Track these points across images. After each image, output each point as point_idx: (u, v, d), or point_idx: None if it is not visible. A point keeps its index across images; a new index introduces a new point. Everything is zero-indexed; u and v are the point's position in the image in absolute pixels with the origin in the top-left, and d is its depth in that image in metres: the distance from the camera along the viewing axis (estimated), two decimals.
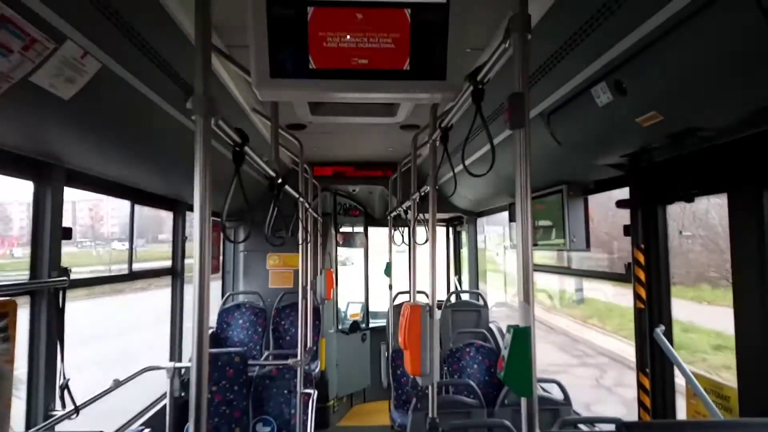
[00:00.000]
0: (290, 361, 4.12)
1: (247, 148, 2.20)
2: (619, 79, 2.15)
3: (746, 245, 2.20)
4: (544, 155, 3.06)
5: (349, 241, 7.88)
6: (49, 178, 2.80)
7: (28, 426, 2.71)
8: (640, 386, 2.90)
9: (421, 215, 4.02)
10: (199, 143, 1.66)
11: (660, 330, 2.75)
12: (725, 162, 2.34)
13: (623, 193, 3.15)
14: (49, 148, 2.65)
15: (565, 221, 3.59)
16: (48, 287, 2.74)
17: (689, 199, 2.65)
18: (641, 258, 2.88)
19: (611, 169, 3.01)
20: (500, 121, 3.02)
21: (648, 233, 2.88)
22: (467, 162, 2.38)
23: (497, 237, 8.58)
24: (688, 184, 2.63)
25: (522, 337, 1.53)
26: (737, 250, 2.24)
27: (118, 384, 3.23)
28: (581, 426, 3.44)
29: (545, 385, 4.39)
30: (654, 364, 2.82)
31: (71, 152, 2.79)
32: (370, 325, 7.62)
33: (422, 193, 3.70)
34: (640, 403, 2.90)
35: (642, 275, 2.88)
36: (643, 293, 2.87)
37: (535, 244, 4.05)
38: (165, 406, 3.76)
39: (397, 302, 6.42)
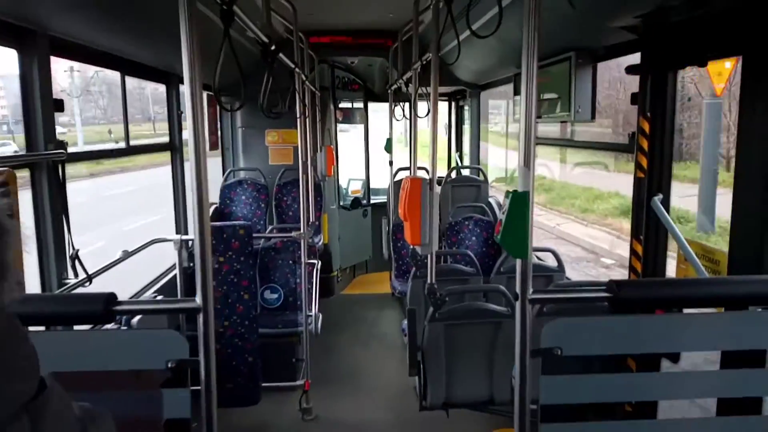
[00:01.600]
0: (294, 234, 4.23)
1: (236, 8, 2.06)
2: None
3: (756, 109, 2.14)
4: (554, 18, 2.88)
5: (348, 116, 7.74)
6: (33, 46, 2.67)
7: None
8: (633, 252, 2.99)
9: (422, 88, 3.89)
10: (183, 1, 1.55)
11: (658, 198, 2.78)
12: (741, 24, 2.20)
13: (628, 61, 3.02)
14: (31, 12, 2.49)
15: (572, 91, 3.47)
16: (46, 160, 2.72)
17: (702, 63, 2.54)
18: (646, 126, 2.83)
19: (622, 32, 2.85)
20: None
21: (656, 101, 2.79)
22: (472, 27, 2.25)
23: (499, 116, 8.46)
24: (701, 47, 2.50)
25: (520, 201, 1.54)
26: (745, 114, 2.19)
27: (127, 254, 3.35)
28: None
29: (540, 254, 4.55)
30: (648, 231, 2.88)
31: (54, 17, 2.63)
32: (371, 202, 7.73)
33: (424, 62, 3.55)
34: (632, 268, 3.01)
35: (645, 144, 2.84)
36: (644, 162, 2.86)
37: (538, 116, 3.96)
38: (175, 276, 3.92)
39: (397, 178, 6.46)
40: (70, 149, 2.86)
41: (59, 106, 2.86)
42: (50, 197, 2.76)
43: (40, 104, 2.71)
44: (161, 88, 4.62)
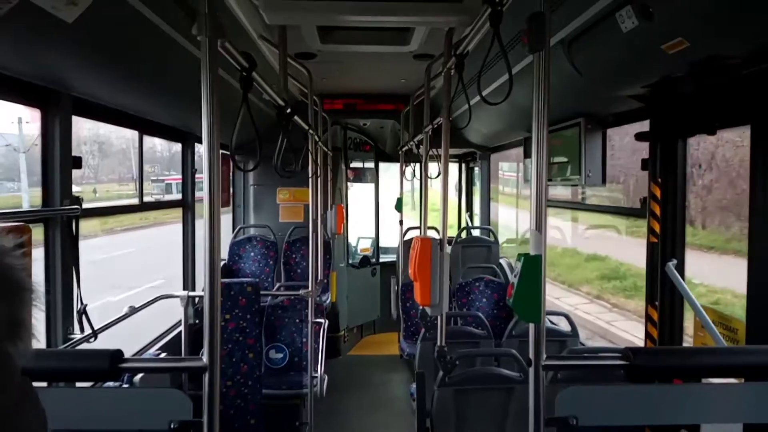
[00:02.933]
0: (302, 292, 4.20)
1: (254, 74, 2.13)
2: (645, 2, 2.03)
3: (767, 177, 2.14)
4: (563, 86, 2.95)
5: (359, 176, 7.85)
6: (56, 106, 2.76)
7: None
8: (648, 318, 2.92)
9: (433, 150, 3.96)
10: (205, 66, 1.61)
11: (672, 264, 2.74)
12: (750, 93, 2.24)
13: (637, 127, 3.06)
14: (55, 73, 2.59)
15: (582, 155, 3.51)
16: (61, 215, 2.76)
17: (711, 132, 2.57)
18: (657, 192, 2.83)
19: (631, 101, 2.92)
20: (517, 51, 2.91)
21: (666, 167, 2.81)
22: (483, 93, 2.31)
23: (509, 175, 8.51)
24: (710, 116, 2.54)
25: (533, 264, 1.53)
26: (758, 183, 2.19)
27: (133, 310, 3.32)
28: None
29: (553, 318, 4.46)
30: (663, 297, 2.83)
31: (77, 79, 2.73)
32: (380, 260, 7.71)
33: (435, 126, 3.62)
34: (647, 335, 2.94)
35: (657, 209, 2.84)
36: (657, 227, 2.84)
37: (549, 180, 3.99)
38: (180, 332, 3.88)
39: (407, 237, 6.46)
40: None
41: (77, 163, 2.93)
42: (62, 252, 2.78)
43: (59, 161, 2.77)
44: (150, 143, 4.73)
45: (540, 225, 1.55)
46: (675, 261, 2.76)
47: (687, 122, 2.69)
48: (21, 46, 2.15)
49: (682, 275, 2.77)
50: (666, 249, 2.82)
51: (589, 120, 3.51)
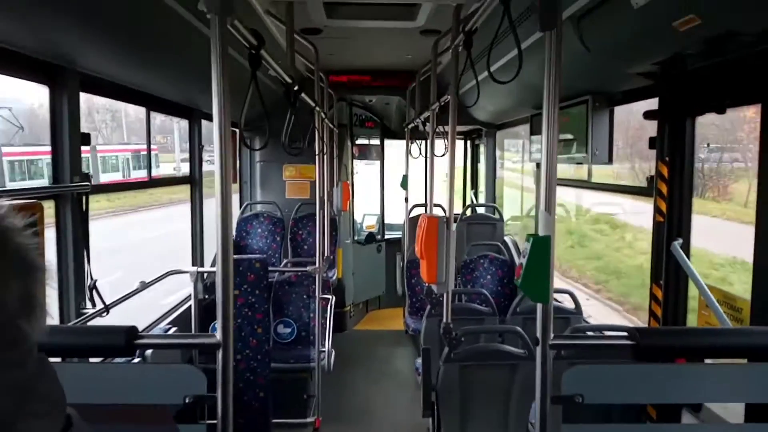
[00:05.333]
0: (309, 268, 4.24)
1: (263, 52, 2.12)
2: None
3: None
4: (571, 63, 2.92)
5: (364, 153, 7.83)
6: (63, 82, 2.76)
7: (61, 323, 2.86)
8: (653, 297, 2.95)
9: (439, 127, 3.94)
10: (215, 43, 1.60)
11: (678, 243, 2.75)
12: (762, 71, 2.22)
13: (646, 105, 3.04)
14: (62, 49, 2.59)
15: (589, 134, 3.49)
16: (71, 191, 2.78)
17: (721, 110, 2.55)
18: (665, 171, 2.82)
19: (640, 78, 2.89)
20: (525, 27, 2.87)
21: (674, 146, 2.80)
22: (491, 69, 2.29)
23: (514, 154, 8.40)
24: (720, 95, 2.52)
25: (542, 245, 1.54)
26: (766, 162, 2.18)
27: (144, 285, 3.37)
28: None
29: (557, 296, 4.49)
30: (668, 276, 2.84)
31: (84, 55, 2.73)
32: (386, 237, 7.74)
33: (442, 103, 3.61)
34: (651, 314, 2.96)
35: (664, 188, 2.83)
36: (663, 207, 2.84)
37: None
38: (189, 307, 3.93)
39: (412, 215, 6.48)
40: None
41: (86, 139, 2.94)
42: (73, 228, 2.81)
43: (68, 138, 2.79)
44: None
45: (549, 206, 1.56)
46: (681, 240, 2.77)
47: (696, 100, 2.67)
48: (28, 21, 2.15)
49: (688, 255, 2.78)
50: (672, 228, 2.83)
51: (596, 97, 3.48)
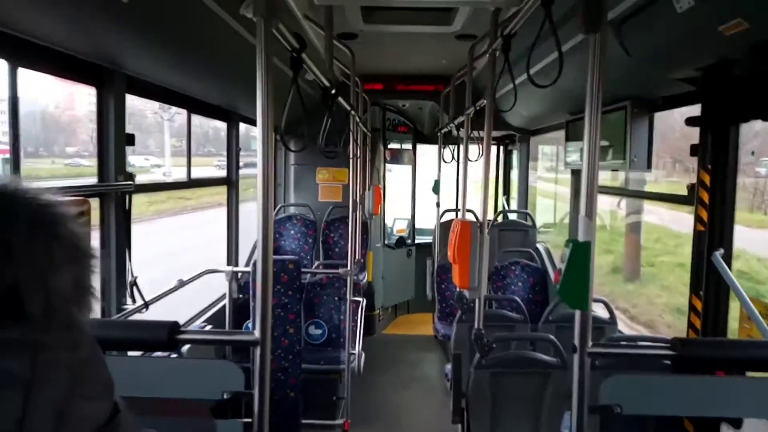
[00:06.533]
0: (341, 271, 4.27)
1: (304, 56, 2.16)
2: None
3: None
4: (611, 68, 2.88)
5: (396, 157, 7.86)
6: (111, 84, 2.86)
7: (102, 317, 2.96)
8: (692, 308, 2.87)
9: (473, 133, 3.93)
10: (260, 48, 1.64)
11: (719, 253, 2.68)
12: None
13: (688, 111, 2.97)
14: (109, 52, 2.68)
15: (627, 140, 3.43)
16: (116, 190, 2.88)
17: (767, 117, 2.48)
18: (707, 179, 2.76)
19: (681, 84, 2.83)
20: (563, 30, 2.85)
21: (717, 154, 2.73)
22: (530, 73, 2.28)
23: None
24: (766, 101, 2.45)
25: (582, 251, 1.53)
26: None
27: (182, 283, 3.45)
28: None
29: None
30: (708, 287, 2.77)
31: (130, 58, 2.82)
32: (416, 242, 7.74)
33: (477, 108, 3.59)
34: (691, 325, 2.89)
35: (705, 197, 2.77)
36: (704, 216, 2.78)
37: None
38: (224, 306, 4.01)
39: (443, 220, 6.46)
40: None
41: (131, 140, 3.04)
42: (117, 226, 2.90)
43: (113, 138, 2.88)
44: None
45: (590, 212, 1.54)
46: (722, 250, 2.70)
47: (741, 107, 2.60)
48: (77, 25, 2.23)
49: (729, 265, 2.71)
50: (714, 238, 2.76)
51: (635, 103, 3.42)
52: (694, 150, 2.86)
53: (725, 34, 2.05)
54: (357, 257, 5.12)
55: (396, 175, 7.94)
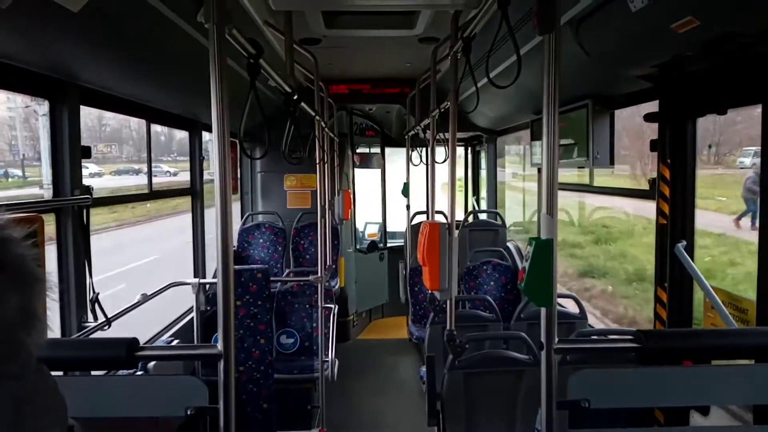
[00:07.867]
0: (311, 278, 4.23)
1: (261, 61, 2.13)
2: None
3: None
4: (570, 67, 2.92)
5: (365, 161, 7.84)
6: (64, 96, 2.77)
7: (63, 336, 2.85)
8: (658, 300, 2.93)
9: (439, 134, 3.94)
10: (214, 53, 1.61)
11: (681, 245, 2.74)
12: (762, 71, 2.21)
13: (645, 108, 3.03)
14: (62, 64, 2.60)
15: (589, 137, 3.49)
16: (72, 205, 2.78)
17: (722, 111, 2.55)
18: (667, 173, 2.82)
19: (639, 81, 2.89)
20: (523, 32, 2.88)
21: (675, 148, 2.79)
22: (490, 75, 2.29)
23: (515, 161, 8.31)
24: (720, 96, 2.51)
25: (544, 249, 1.53)
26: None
27: (146, 298, 3.36)
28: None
29: (561, 300, 4.47)
30: (673, 278, 2.83)
31: (84, 69, 2.74)
32: (388, 245, 7.73)
33: (442, 110, 3.60)
34: (657, 316, 2.94)
35: (666, 191, 2.83)
36: (666, 209, 2.83)
37: None
38: (192, 319, 3.92)
39: (414, 222, 6.46)
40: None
41: (87, 153, 2.94)
42: (74, 242, 2.81)
43: (68, 151, 2.79)
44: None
45: (551, 209, 1.55)
46: (684, 242, 2.76)
47: (697, 102, 2.67)
48: (27, 36, 2.15)
49: (692, 256, 2.76)
50: (675, 230, 2.81)
51: (596, 101, 3.48)
52: (653, 145, 2.91)
53: (678, 31, 2.09)
54: (328, 263, 5.08)
55: (366, 180, 7.92)
